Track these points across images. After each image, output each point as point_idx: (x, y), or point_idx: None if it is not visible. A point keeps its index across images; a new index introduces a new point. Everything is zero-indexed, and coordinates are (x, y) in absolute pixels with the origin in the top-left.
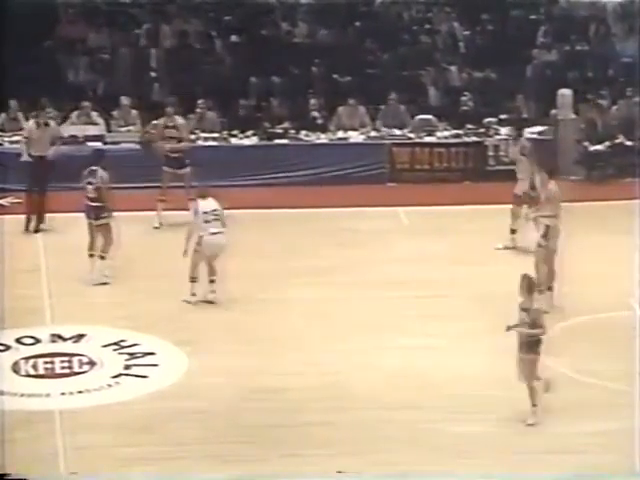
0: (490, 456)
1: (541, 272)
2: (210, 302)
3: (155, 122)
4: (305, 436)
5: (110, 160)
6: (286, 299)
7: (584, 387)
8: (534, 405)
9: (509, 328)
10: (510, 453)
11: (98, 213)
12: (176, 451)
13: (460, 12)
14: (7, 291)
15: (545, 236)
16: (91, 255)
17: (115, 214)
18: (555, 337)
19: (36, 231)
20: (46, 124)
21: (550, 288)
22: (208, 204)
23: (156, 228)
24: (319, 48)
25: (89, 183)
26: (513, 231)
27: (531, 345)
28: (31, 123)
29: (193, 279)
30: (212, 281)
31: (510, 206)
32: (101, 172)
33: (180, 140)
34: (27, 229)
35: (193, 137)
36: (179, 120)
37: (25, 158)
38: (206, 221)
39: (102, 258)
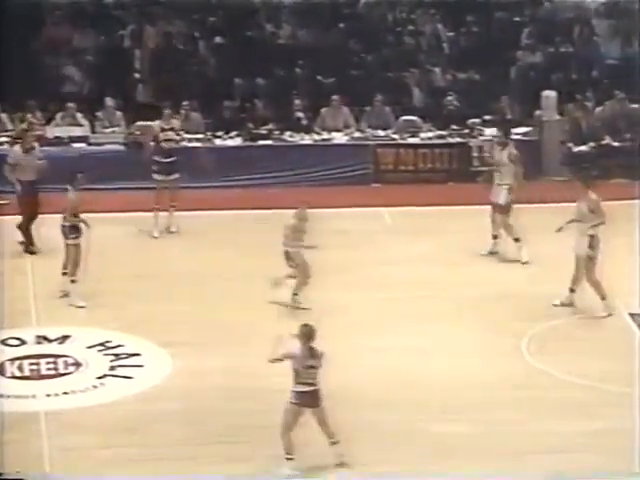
0: (477, 455)
1: (593, 281)
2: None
3: (143, 124)
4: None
5: (94, 161)
6: (269, 299)
7: (573, 387)
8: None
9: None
10: (497, 452)
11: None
12: (161, 452)
13: (444, 14)
14: None
15: (591, 246)
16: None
17: (100, 215)
18: (541, 337)
19: (30, 252)
20: (32, 148)
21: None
22: None
23: (155, 237)
24: (303, 49)
25: None
26: (495, 237)
27: (315, 398)
28: (17, 148)
29: None
30: None
31: None
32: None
33: (177, 143)
34: (27, 251)
35: (177, 138)
36: (176, 122)
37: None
38: None
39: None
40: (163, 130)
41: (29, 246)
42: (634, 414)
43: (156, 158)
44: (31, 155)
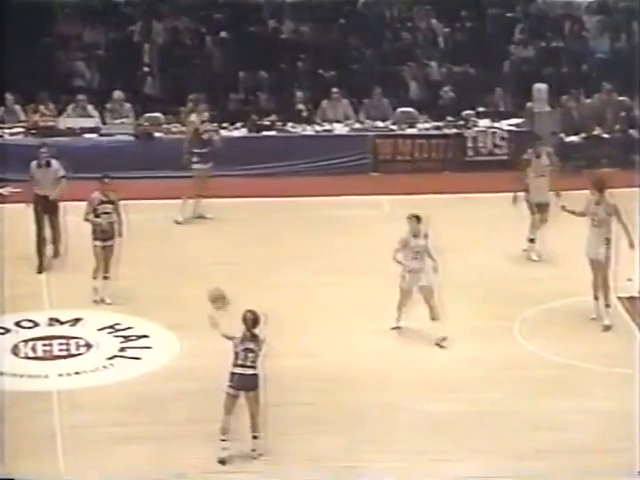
0: (471, 434)
1: (607, 285)
2: None
3: (152, 115)
4: (289, 416)
5: (105, 150)
6: (272, 284)
7: (562, 368)
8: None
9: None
10: (491, 430)
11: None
12: (168, 430)
13: (440, 10)
14: (7, 277)
15: (608, 248)
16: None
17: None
18: (532, 320)
19: (55, 256)
20: (48, 164)
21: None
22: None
23: (209, 218)
24: (305, 44)
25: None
26: (532, 240)
27: (255, 382)
28: (33, 164)
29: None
30: None
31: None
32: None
33: (216, 133)
34: (40, 270)
35: (184, 129)
36: (206, 114)
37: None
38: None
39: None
40: (202, 122)
41: (39, 266)
42: (621, 393)
43: (195, 150)
44: (46, 171)
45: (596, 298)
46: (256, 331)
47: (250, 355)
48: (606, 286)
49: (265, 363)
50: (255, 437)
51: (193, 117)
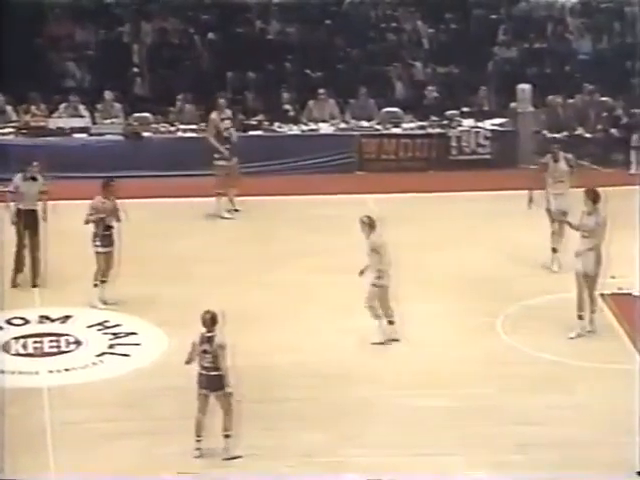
0: (455, 428)
1: (594, 297)
2: None
3: (141, 115)
4: (277, 411)
5: (94, 150)
6: (260, 282)
7: (545, 363)
8: None
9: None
10: (475, 425)
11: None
12: (156, 426)
13: (424, 11)
14: None
15: (597, 262)
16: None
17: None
18: (515, 317)
19: (34, 286)
20: (33, 178)
21: (593, 311)
22: None
23: (231, 213)
24: (291, 45)
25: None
26: (554, 250)
27: (219, 382)
28: (18, 177)
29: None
30: None
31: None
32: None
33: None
34: (14, 285)
35: (173, 129)
36: (228, 111)
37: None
38: None
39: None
40: (222, 120)
41: (13, 281)
42: (604, 388)
43: (218, 147)
44: (31, 185)
45: (581, 318)
46: (213, 332)
47: (207, 356)
48: (593, 298)
49: (250, 360)
50: (227, 436)
51: (214, 115)
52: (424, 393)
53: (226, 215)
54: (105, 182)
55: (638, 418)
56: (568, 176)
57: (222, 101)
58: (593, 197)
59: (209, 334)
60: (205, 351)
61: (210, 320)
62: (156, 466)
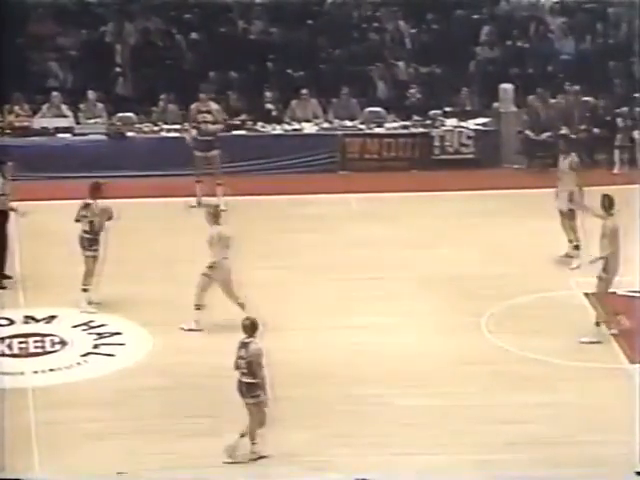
0: (439, 427)
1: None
2: None
3: (124, 115)
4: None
5: (78, 150)
6: (244, 282)
7: (528, 362)
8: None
9: None
10: (459, 423)
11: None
12: (142, 425)
13: (406, 11)
14: None
15: (605, 269)
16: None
17: (83, 201)
18: (499, 316)
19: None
20: (4, 178)
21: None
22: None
23: (192, 207)
24: (274, 45)
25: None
26: (570, 241)
27: (249, 389)
28: None
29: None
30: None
31: None
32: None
33: (214, 123)
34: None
35: (156, 128)
36: (213, 105)
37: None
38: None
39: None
40: (200, 112)
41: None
42: (588, 387)
43: (196, 137)
44: (5, 184)
45: (598, 324)
46: (250, 339)
47: (240, 362)
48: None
49: (233, 360)
50: (252, 443)
51: (192, 106)
52: (409, 392)
53: (192, 204)
54: (93, 184)
55: (636, 417)
56: (568, 177)
57: (202, 95)
58: (608, 207)
59: (246, 340)
60: (241, 357)
61: (250, 326)
62: (141, 466)
